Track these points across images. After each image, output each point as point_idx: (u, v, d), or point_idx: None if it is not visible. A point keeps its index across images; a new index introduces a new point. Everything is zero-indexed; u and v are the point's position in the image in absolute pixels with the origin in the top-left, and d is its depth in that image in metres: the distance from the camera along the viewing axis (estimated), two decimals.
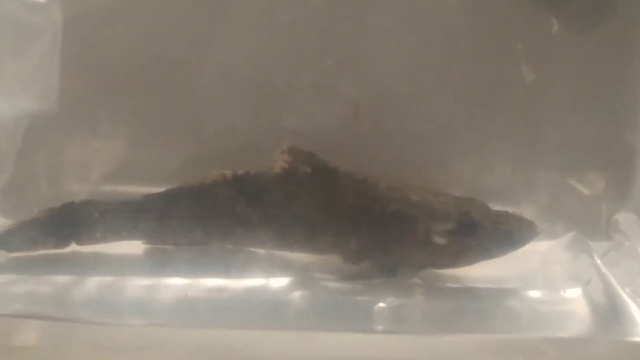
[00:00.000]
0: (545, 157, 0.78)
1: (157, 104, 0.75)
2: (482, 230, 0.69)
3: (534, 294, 0.68)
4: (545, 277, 0.71)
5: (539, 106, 0.76)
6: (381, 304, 0.65)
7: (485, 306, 0.66)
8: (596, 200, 0.77)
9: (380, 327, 0.63)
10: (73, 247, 0.72)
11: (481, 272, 0.71)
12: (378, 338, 0.63)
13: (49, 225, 0.71)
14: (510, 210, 0.73)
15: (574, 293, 0.68)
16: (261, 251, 0.73)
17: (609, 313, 0.64)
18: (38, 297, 0.65)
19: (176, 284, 0.67)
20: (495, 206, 0.73)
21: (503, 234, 0.69)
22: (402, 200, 0.70)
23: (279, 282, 0.67)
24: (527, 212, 0.77)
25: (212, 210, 0.72)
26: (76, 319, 0.63)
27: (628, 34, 0.75)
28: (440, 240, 0.68)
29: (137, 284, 0.67)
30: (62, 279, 0.67)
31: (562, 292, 0.68)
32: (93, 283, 0.67)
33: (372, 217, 0.70)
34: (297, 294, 0.66)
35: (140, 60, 0.73)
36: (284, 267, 0.70)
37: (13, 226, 0.71)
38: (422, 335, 0.63)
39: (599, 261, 0.70)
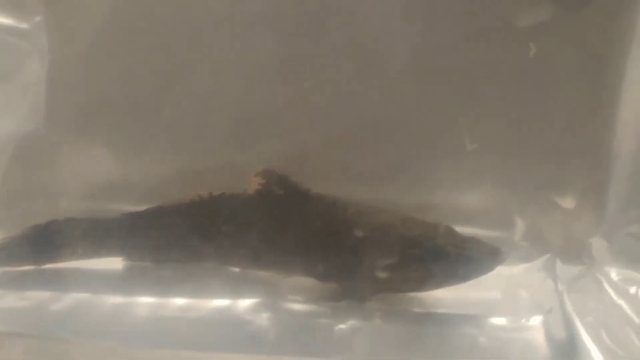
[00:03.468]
0: (521, 179, 0.78)
1: (142, 126, 0.77)
2: (446, 257, 0.70)
3: (495, 320, 0.70)
4: (510, 304, 0.72)
5: (516, 127, 0.77)
6: (341, 326, 0.67)
7: (444, 331, 0.68)
8: (571, 224, 0.77)
9: (338, 351, 0.65)
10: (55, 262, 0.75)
11: (446, 296, 0.72)
12: None
13: (34, 241, 0.74)
14: (477, 235, 0.74)
15: (534, 321, 0.69)
16: (236, 270, 0.76)
17: (565, 345, 0.65)
18: (18, 313, 0.69)
19: (148, 302, 0.70)
20: (470, 228, 0.75)
21: (466, 260, 0.70)
22: (369, 225, 0.71)
23: (246, 303, 0.70)
24: (501, 234, 0.78)
25: (189, 229, 0.74)
26: (52, 335, 0.67)
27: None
28: (403, 265, 0.70)
29: (113, 302, 0.70)
30: (42, 295, 0.70)
31: (523, 320, 0.69)
32: (71, 299, 0.70)
33: (339, 240, 0.72)
34: (263, 316, 0.68)
35: (126, 82, 0.75)
36: (254, 288, 0.72)
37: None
38: None
39: (561, 288, 0.71)
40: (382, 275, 0.71)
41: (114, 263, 0.76)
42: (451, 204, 0.79)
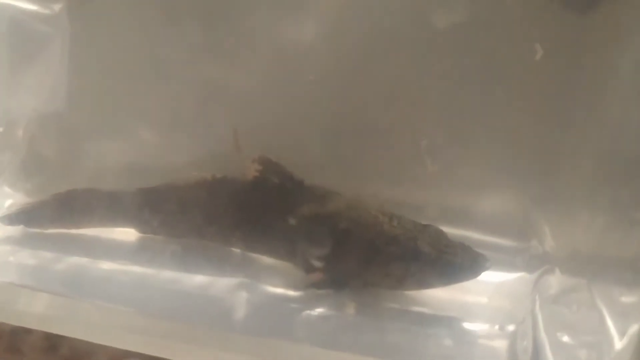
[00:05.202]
0: (526, 187, 0.76)
1: (158, 112, 0.82)
2: (424, 258, 0.70)
3: (468, 325, 0.70)
4: (491, 310, 0.71)
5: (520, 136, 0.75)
6: (311, 313, 0.69)
7: (412, 329, 0.68)
8: (580, 237, 0.75)
9: (306, 335, 0.67)
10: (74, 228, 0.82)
11: (430, 295, 0.72)
12: (298, 348, 0.67)
13: (55, 207, 0.81)
14: (482, 241, 0.75)
15: (505, 329, 0.68)
16: (237, 251, 0.79)
17: (525, 356, 0.64)
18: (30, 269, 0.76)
19: (135, 271, 0.75)
20: (476, 233, 0.75)
21: (445, 264, 0.70)
22: (354, 219, 0.73)
23: (227, 281, 0.73)
24: (503, 241, 0.77)
25: (193, 207, 0.79)
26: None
27: None
28: (383, 261, 0.71)
29: (111, 268, 0.76)
30: (49, 256, 0.77)
31: (496, 328, 0.68)
32: (75, 262, 0.77)
33: (326, 230, 0.73)
34: (242, 295, 0.72)
35: (144, 66, 0.80)
36: (241, 268, 0.75)
37: (26, 206, 0.82)
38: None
39: (545, 300, 0.69)
40: (363, 268, 0.72)
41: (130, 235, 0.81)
42: (461, 207, 0.78)
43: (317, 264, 0.73)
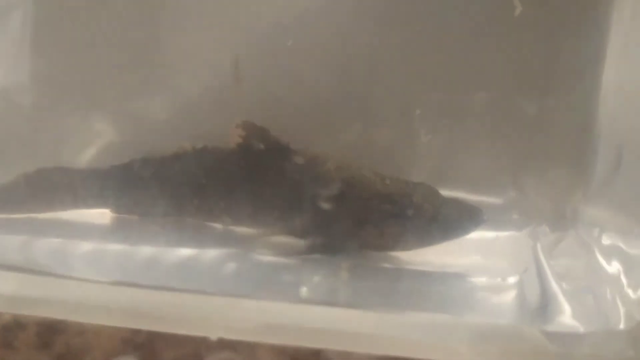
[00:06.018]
0: (510, 147, 0.76)
1: (127, 84, 0.78)
2: (421, 215, 0.69)
3: (470, 279, 0.68)
4: (489, 266, 0.70)
5: (505, 99, 0.75)
6: (307, 278, 0.66)
7: (414, 286, 0.67)
8: (561, 191, 0.74)
9: (303, 297, 0.64)
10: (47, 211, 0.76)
11: (424, 256, 0.71)
12: (299, 307, 0.63)
13: (24, 188, 0.76)
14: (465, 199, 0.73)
15: (509, 281, 0.66)
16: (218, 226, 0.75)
17: (536, 302, 0.63)
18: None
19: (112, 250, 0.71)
20: (461, 193, 0.74)
21: (444, 219, 0.69)
22: (346, 180, 0.70)
23: (215, 253, 0.69)
24: (492, 200, 0.76)
25: (172, 181, 0.75)
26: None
27: None
28: (379, 221, 0.69)
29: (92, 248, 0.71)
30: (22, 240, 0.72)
31: (499, 280, 0.67)
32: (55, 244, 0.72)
33: (317, 194, 0.71)
34: (231, 265, 0.68)
35: (111, 39, 0.76)
36: (226, 240, 0.72)
37: None
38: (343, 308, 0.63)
39: (543, 252, 0.68)
40: (358, 230, 0.70)
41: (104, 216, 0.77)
42: (444, 168, 0.77)
43: (311, 229, 0.71)
